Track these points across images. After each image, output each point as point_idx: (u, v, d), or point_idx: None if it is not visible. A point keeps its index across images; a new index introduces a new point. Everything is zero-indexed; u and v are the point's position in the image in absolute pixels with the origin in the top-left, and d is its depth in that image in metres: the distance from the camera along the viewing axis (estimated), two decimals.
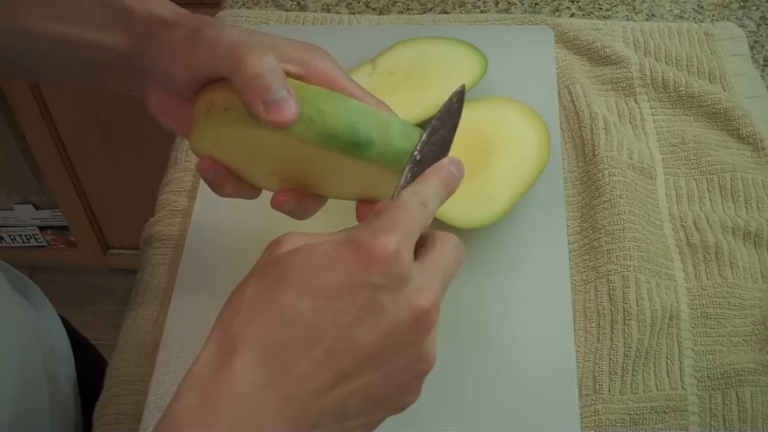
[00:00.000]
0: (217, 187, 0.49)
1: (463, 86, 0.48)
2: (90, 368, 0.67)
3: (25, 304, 0.59)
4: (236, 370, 0.34)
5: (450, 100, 0.47)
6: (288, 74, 0.45)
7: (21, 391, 0.52)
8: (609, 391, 0.56)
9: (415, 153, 0.45)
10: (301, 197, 0.49)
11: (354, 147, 0.44)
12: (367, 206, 0.49)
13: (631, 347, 0.57)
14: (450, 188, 0.43)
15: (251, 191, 0.51)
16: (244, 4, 0.82)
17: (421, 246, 0.40)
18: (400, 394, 0.39)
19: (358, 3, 0.82)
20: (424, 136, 0.45)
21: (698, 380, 0.56)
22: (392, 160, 0.45)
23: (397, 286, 0.37)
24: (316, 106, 0.43)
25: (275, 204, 0.49)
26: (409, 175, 0.44)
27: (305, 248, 0.37)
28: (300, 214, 0.49)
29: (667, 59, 0.74)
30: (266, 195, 0.51)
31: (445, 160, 0.44)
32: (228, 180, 0.49)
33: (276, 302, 0.36)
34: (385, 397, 0.38)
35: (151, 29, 0.47)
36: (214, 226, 0.64)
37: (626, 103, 0.72)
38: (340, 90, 0.46)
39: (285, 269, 0.36)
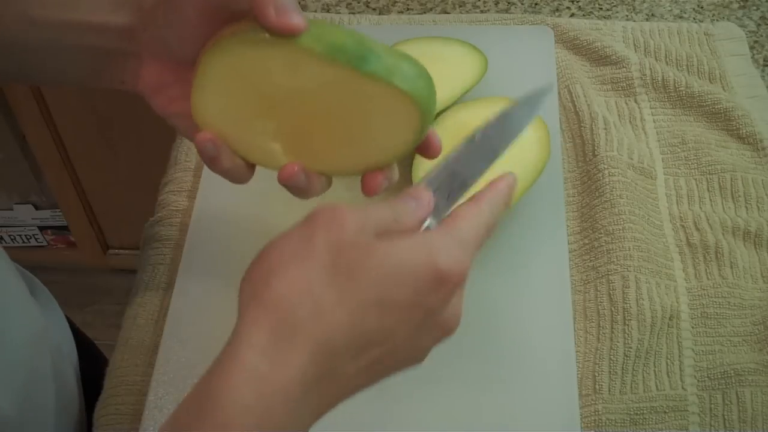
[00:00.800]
0: (213, 161, 0.48)
1: (552, 83, 0.47)
2: (92, 367, 0.67)
3: (34, 302, 0.60)
4: (293, 370, 0.33)
5: (531, 94, 0.47)
6: None
7: (29, 388, 0.52)
8: (609, 391, 0.56)
9: (476, 137, 0.44)
10: (310, 173, 0.47)
11: (361, 59, 0.43)
12: (372, 178, 0.47)
13: (631, 347, 0.57)
14: (506, 208, 0.44)
15: (245, 169, 0.49)
16: None
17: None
18: (386, 374, 0.40)
19: (358, 3, 0.82)
20: (491, 120, 0.45)
21: (698, 380, 0.56)
22: (402, 79, 0.44)
23: (444, 308, 0.38)
24: (322, 26, 0.44)
25: (284, 177, 0.47)
26: (462, 154, 0.43)
27: (380, 251, 0.36)
28: (307, 190, 0.48)
29: (667, 59, 0.74)
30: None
31: (505, 177, 0.44)
32: (225, 153, 0.48)
33: (344, 306, 0.35)
34: (377, 380, 0.39)
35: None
36: (214, 226, 0.64)
37: (626, 103, 0.72)
38: None
39: (357, 269, 0.35)
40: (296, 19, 0.43)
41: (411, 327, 0.36)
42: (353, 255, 0.35)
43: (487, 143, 0.45)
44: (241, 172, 0.49)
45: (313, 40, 0.44)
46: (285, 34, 0.43)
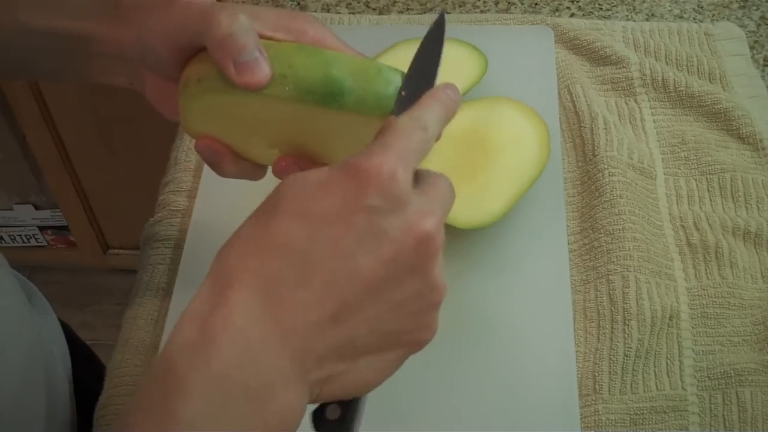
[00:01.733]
0: (216, 166, 0.48)
1: (443, 12, 0.46)
2: (87, 372, 0.67)
3: (30, 310, 0.59)
4: (232, 304, 0.33)
5: (430, 29, 0.45)
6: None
7: (21, 395, 0.52)
8: (609, 391, 0.56)
9: (402, 92, 0.42)
10: (302, 163, 0.47)
11: (330, 97, 0.42)
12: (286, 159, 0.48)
13: (631, 347, 0.57)
14: (449, 111, 0.40)
15: (255, 169, 0.49)
16: (244, 4, 0.82)
17: (414, 182, 0.37)
18: (413, 327, 0.36)
19: (358, 3, 0.82)
20: (407, 72, 0.43)
21: (698, 380, 0.56)
22: (374, 107, 0.43)
23: (397, 207, 0.34)
24: (286, 62, 0.42)
25: (277, 171, 0.47)
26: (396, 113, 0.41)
27: (299, 176, 0.35)
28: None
29: (667, 59, 0.74)
30: (266, 190, 0.51)
31: (439, 87, 0.41)
32: (227, 158, 0.47)
33: (269, 232, 0.34)
34: (397, 330, 0.36)
35: (135, 10, 0.46)
36: (214, 226, 0.64)
37: (626, 103, 0.72)
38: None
39: (278, 199, 0.34)
40: (258, 74, 0.42)
41: (355, 235, 0.34)
42: (277, 190, 0.35)
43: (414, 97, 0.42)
44: (251, 172, 0.49)
45: (278, 86, 0.42)
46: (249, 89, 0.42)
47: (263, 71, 0.42)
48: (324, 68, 0.42)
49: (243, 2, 0.82)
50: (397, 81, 0.44)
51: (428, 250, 0.35)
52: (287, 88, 0.42)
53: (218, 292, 0.33)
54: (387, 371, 0.37)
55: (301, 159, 0.47)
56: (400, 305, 0.35)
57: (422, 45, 0.44)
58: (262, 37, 0.44)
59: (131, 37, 0.47)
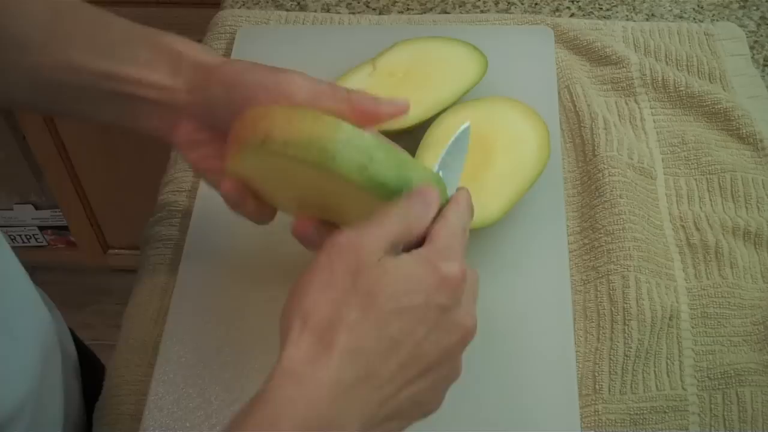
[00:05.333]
0: (235, 206, 0.51)
1: (469, 125, 0.53)
2: (89, 373, 0.67)
3: (45, 308, 0.60)
4: (330, 373, 0.38)
5: (460, 134, 0.53)
6: None
7: (40, 398, 0.52)
8: (609, 391, 0.56)
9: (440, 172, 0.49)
10: (321, 229, 0.50)
11: (398, 194, 0.46)
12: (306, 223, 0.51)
13: (631, 347, 0.57)
14: (472, 214, 0.48)
15: (268, 213, 0.52)
16: (244, 4, 0.82)
17: None
18: (435, 399, 0.44)
19: (358, 3, 0.82)
20: (442, 158, 0.50)
21: (698, 380, 0.56)
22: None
23: (456, 306, 0.42)
24: (368, 155, 0.45)
25: (297, 233, 0.50)
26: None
27: (391, 267, 0.41)
28: (315, 245, 0.51)
29: (667, 59, 0.74)
30: None
31: (465, 190, 0.48)
32: (249, 200, 0.50)
33: (369, 318, 0.39)
34: (425, 401, 0.43)
35: (200, 73, 0.51)
36: (214, 226, 0.64)
37: (626, 103, 0.72)
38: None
39: (376, 286, 0.40)
40: (401, 104, 0.51)
41: (429, 325, 0.41)
42: (370, 275, 0.40)
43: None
44: (264, 216, 0.52)
45: (356, 173, 0.45)
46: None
47: (403, 102, 0.49)
48: (397, 170, 0.46)
49: (248, 8, 0.82)
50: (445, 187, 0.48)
51: (467, 340, 0.43)
52: (364, 177, 0.45)
53: (317, 354, 0.38)
54: (403, 429, 0.43)
55: (319, 224, 0.51)
56: (435, 382, 0.43)
57: (450, 145, 0.52)
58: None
59: (190, 92, 0.51)
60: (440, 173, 0.49)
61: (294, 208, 0.51)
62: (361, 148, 0.45)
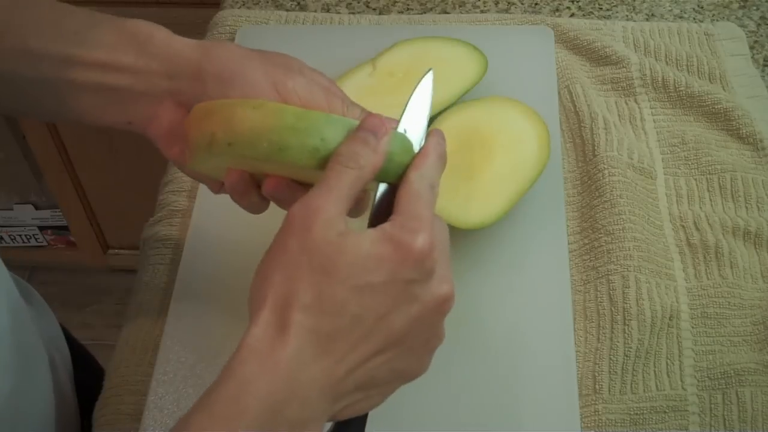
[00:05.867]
0: (240, 197, 0.50)
1: (431, 70, 0.49)
2: (85, 373, 0.67)
3: (28, 310, 0.59)
4: (289, 350, 0.38)
5: (420, 83, 0.49)
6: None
7: (22, 397, 0.52)
8: (609, 391, 0.56)
9: (404, 130, 0.46)
10: (291, 185, 0.49)
11: None
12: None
13: (631, 347, 0.57)
14: (444, 162, 0.46)
15: (266, 203, 0.51)
16: (244, 4, 0.82)
17: None
18: (417, 365, 0.44)
19: (358, 3, 0.82)
20: (401, 115, 0.47)
21: (698, 380, 0.56)
22: (395, 175, 0.45)
23: (427, 277, 0.41)
24: (319, 136, 0.43)
25: (268, 193, 0.49)
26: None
27: (349, 245, 0.40)
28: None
29: (667, 59, 0.74)
30: None
31: (434, 134, 0.46)
32: (253, 192, 0.50)
33: (325, 296, 0.39)
34: (405, 368, 0.43)
35: (182, 55, 0.49)
36: (214, 226, 0.64)
37: (626, 103, 0.72)
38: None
39: (332, 264, 0.40)
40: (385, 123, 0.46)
41: (393, 301, 0.40)
42: (325, 253, 0.40)
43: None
44: (260, 206, 0.51)
45: (309, 158, 0.43)
46: None
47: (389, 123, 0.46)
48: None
49: (248, 8, 0.82)
50: (413, 151, 0.46)
51: (444, 308, 0.43)
52: (317, 159, 0.43)
53: (277, 333, 0.39)
54: (387, 396, 0.44)
55: (291, 182, 0.49)
56: (412, 349, 0.42)
57: (412, 96, 0.48)
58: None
59: (171, 77, 0.49)
60: (404, 131, 0.46)
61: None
62: (309, 132, 0.43)
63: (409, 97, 0.47)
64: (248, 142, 0.43)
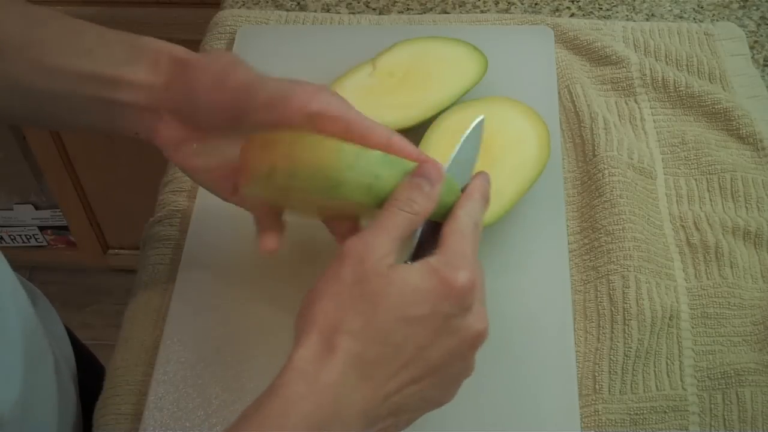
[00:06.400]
0: (268, 228, 0.53)
1: (483, 119, 0.52)
2: (86, 373, 0.67)
3: (33, 311, 0.60)
4: (335, 374, 0.40)
5: (473, 129, 0.52)
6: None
7: (29, 402, 0.52)
8: (609, 391, 0.56)
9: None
10: (351, 226, 0.52)
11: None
12: (340, 225, 0.54)
13: (631, 347, 0.57)
14: (488, 202, 0.49)
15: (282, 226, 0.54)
16: (244, 4, 0.82)
17: None
18: (444, 394, 0.46)
19: (358, 3, 0.82)
20: (453, 157, 0.50)
21: (698, 380, 0.56)
22: (440, 214, 0.47)
23: (466, 313, 0.44)
24: (373, 173, 0.46)
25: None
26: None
27: (397, 278, 0.42)
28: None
29: (667, 59, 0.74)
30: None
31: (481, 176, 0.49)
32: (278, 234, 0.52)
33: (372, 325, 0.42)
34: (434, 396, 0.45)
35: (177, 67, 0.51)
36: (214, 226, 0.64)
37: (626, 103, 0.72)
38: (353, 126, 0.50)
39: (380, 295, 0.42)
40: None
41: (433, 333, 0.42)
42: (375, 285, 0.42)
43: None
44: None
45: (363, 195, 0.46)
46: None
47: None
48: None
49: (248, 8, 0.82)
50: (458, 192, 0.48)
51: (477, 343, 0.45)
52: (371, 197, 0.46)
53: (323, 356, 0.41)
54: (413, 422, 0.45)
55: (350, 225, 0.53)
56: (444, 380, 0.44)
57: (464, 139, 0.51)
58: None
59: (173, 91, 0.50)
60: (449, 172, 0.49)
61: (312, 215, 0.53)
62: (364, 170, 0.45)
63: (460, 140, 0.51)
64: (307, 176, 0.46)
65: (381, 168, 0.46)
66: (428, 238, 0.47)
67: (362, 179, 0.45)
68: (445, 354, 0.43)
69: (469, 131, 0.51)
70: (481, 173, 0.49)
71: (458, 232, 0.45)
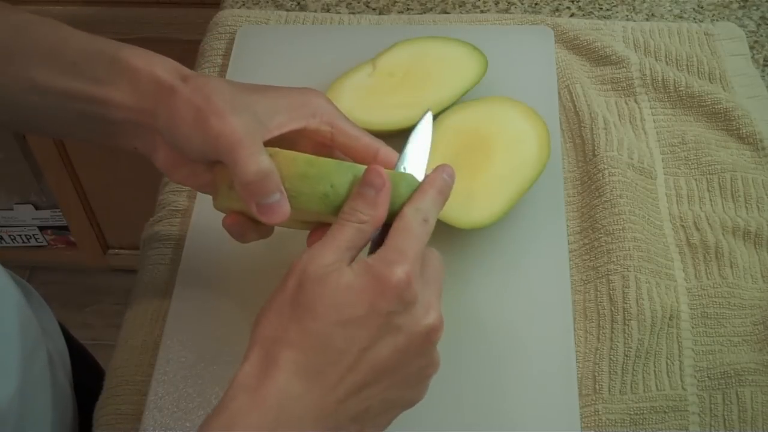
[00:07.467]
0: (240, 237, 0.52)
1: (429, 112, 0.53)
2: (85, 374, 0.67)
3: (29, 309, 0.59)
4: (278, 384, 0.40)
5: (419, 124, 0.52)
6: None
7: (22, 395, 0.52)
8: (609, 391, 0.56)
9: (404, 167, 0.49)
10: (247, 225, 0.51)
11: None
12: (317, 233, 0.52)
13: (631, 347, 0.57)
14: (446, 197, 0.47)
15: (268, 231, 0.53)
16: (244, 4, 0.82)
17: None
18: (412, 394, 0.45)
19: (358, 3, 0.82)
20: (401, 154, 0.50)
21: (698, 380, 0.56)
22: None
23: (408, 308, 0.42)
24: (328, 181, 0.46)
25: (226, 227, 0.51)
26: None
27: (331, 281, 0.42)
28: (242, 239, 0.52)
29: (667, 59, 0.74)
30: None
31: (438, 170, 0.48)
32: (250, 230, 0.51)
33: (310, 333, 0.41)
34: (399, 397, 0.44)
35: (158, 93, 0.49)
36: (214, 226, 0.64)
37: (626, 103, 0.72)
38: (340, 132, 0.51)
39: (315, 301, 0.42)
40: (277, 215, 0.47)
41: (376, 333, 0.42)
42: (308, 290, 0.42)
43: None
44: (266, 235, 0.53)
45: (319, 204, 0.46)
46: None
47: (282, 211, 0.47)
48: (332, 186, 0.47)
49: (248, 8, 0.82)
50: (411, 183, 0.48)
51: (433, 338, 0.44)
52: (327, 205, 0.46)
53: (265, 372, 0.41)
54: (385, 426, 0.45)
55: (244, 219, 0.51)
56: (406, 379, 0.44)
57: (412, 135, 0.51)
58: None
59: (156, 116, 0.49)
60: (404, 167, 0.49)
61: (292, 225, 0.52)
62: (319, 178, 0.46)
63: (408, 138, 0.50)
64: None
65: (335, 176, 0.46)
66: (383, 238, 0.46)
67: (317, 188, 0.46)
68: (394, 353, 0.42)
69: (417, 126, 0.51)
70: (441, 166, 0.48)
71: (401, 229, 0.44)
